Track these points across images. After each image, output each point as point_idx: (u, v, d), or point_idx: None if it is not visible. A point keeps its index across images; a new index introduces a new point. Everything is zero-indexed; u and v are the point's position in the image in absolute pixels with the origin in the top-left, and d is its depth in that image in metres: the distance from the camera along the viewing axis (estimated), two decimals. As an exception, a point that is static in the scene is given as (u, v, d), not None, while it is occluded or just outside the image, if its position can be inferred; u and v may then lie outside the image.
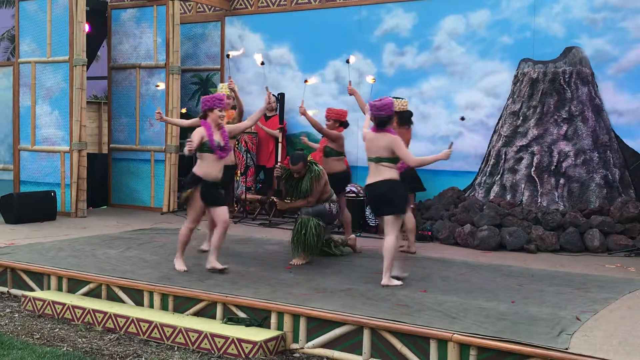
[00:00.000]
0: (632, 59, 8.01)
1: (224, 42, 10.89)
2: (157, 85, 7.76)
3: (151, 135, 10.30)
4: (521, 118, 8.39)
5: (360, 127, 7.77)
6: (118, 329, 5.20)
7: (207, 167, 5.94)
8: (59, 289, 5.98)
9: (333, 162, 7.17)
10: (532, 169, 8.17)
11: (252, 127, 9.58)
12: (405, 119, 7.15)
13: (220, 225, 5.93)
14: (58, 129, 9.66)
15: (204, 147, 5.89)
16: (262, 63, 7.30)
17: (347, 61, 7.54)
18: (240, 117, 7.13)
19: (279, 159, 9.48)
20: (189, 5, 11.25)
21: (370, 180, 5.71)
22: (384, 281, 5.52)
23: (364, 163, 9.19)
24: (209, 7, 11.03)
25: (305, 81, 6.93)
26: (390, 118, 5.69)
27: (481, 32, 8.91)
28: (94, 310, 5.35)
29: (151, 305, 5.45)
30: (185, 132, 10.39)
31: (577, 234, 7.44)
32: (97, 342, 4.95)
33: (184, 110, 9.57)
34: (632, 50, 8.01)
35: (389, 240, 5.55)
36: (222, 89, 6.76)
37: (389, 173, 5.61)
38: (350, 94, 7.06)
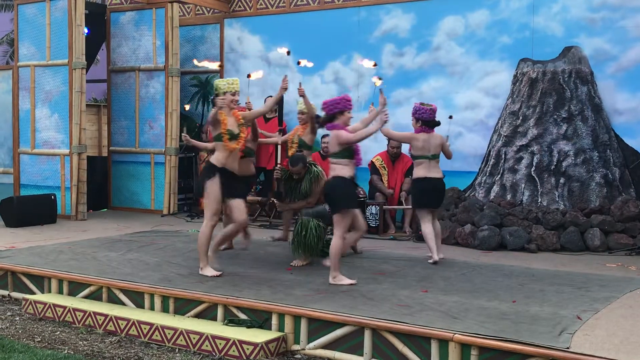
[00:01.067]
0: (631, 57, 8.02)
1: (223, 44, 10.89)
2: (249, 76, 7.26)
3: (151, 138, 10.31)
4: (521, 118, 8.38)
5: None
6: (119, 331, 5.19)
7: (350, 172, 5.64)
8: (60, 292, 5.98)
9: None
10: (532, 169, 8.16)
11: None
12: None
13: (361, 231, 5.86)
14: (58, 132, 9.67)
15: (346, 152, 5.60)
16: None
17: (298, 63, 7.36)
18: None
19: (277, 161, 9.47)
20: (188, 7, 11.26)
21: (429, 174, 6.59)
22: (436, 258, 6.52)
23: (363, 164, 9.24)
24: (208, 9, 11.04)
25: (248, 76, 6.79)
26: None
27: (480, 33, 8.92)
28: (95, 313, 5.35)
29: (152, 308, 5.44)
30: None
31: (578, 233, 7.44)
32: (98, 345, 4.95)
33: (187, 107, 9.27)
34: (631, 49, 8.02)
35: (439, 225, 6.82)
36: (232, 84, 6.13)
37: (440, 171, 6.67)
38: (301, 95, 6.91)
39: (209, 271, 5.87)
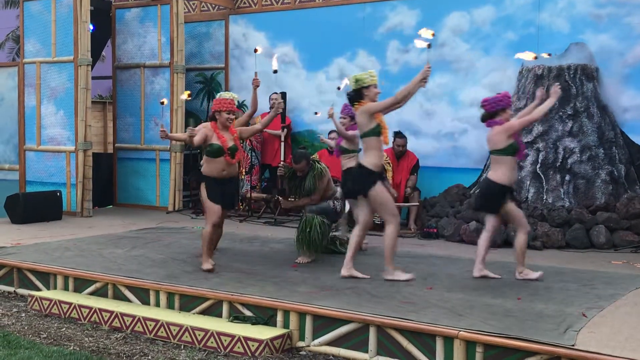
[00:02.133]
0: (637, 54, 7.99)
1: (228, 40, 10.90)
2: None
3: (156, 135, 10.27)
4: (526, 114, 8.36)
5: None
6: (124, 328, 5.21)
7: (511, 171, 5.61)
8: (66, 288, 6.00)
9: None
10: (538, 166, 8.14)
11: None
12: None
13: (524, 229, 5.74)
14: (63, 129, 9.69)
15: (511, 148, 5.57)
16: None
17: (255, 50, 7.15)
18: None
19: (282, 158, 9.48)
20: (193, 4, 11.26)
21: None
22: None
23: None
24: (213, 5, 11.04)
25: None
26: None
27: (485, 29, 8.90)
28: (101, 310, 5.37)
29: (157, 304, 5.46)
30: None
31: (583, 231, 7.42)
32: (103, 341, 4.96)
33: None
34: (637, 46, 7.98)
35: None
36: (374, 76, 5.74)
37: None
38: (256, 86, 6.58)
39: (403, 275, 5.62)
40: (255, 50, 7.14)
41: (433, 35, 5.78)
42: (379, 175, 5.61)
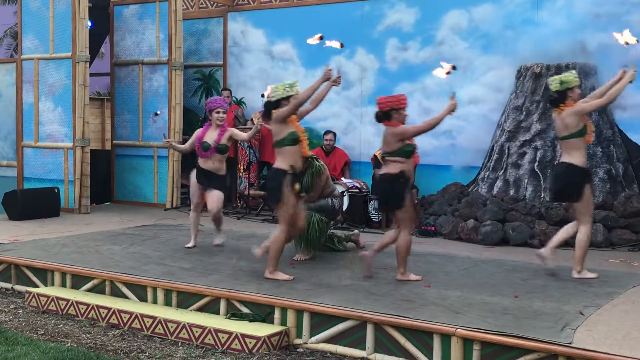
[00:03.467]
0: (636, 52, 7.97)
1: (226, 38, 10.90)
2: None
3: (154, 132, 10.30)
4: (524, 113, 8.36)
5: (364, 122, 7.75)
6: (122, 324, 5.21)
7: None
8: (63, 285, 6.00)
9: None
10: (536, 164, 8.15)
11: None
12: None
13: None
14: (61, 126, 9.67)
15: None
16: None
17: (340, 45, 7.08)
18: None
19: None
20: (192, 1, 11.25)
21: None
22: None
23: (366, 158, 9.28)
24: (212, 2, 11.04)
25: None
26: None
27: (484, 27, 8.89)
28: (98, 306, 5.36)
29: (155, 301, 5.46)
30: (188, 129, 10.44)
31: (581, 229, 7.42)
32: (101, 338, 4.96)
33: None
34: (636, 44, 7.96)
35: None
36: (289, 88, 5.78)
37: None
38: (337, 85, 6.33)
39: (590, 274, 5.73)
40: (341, 45, 7.04)
41: (637, 41, 5.98)
42: (588, 174, 5.69)
